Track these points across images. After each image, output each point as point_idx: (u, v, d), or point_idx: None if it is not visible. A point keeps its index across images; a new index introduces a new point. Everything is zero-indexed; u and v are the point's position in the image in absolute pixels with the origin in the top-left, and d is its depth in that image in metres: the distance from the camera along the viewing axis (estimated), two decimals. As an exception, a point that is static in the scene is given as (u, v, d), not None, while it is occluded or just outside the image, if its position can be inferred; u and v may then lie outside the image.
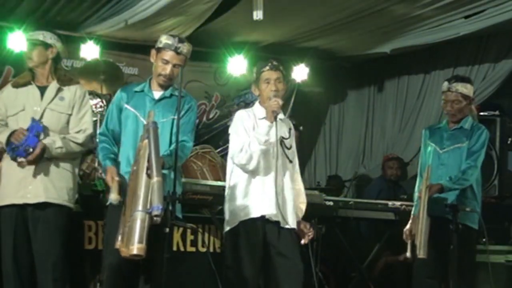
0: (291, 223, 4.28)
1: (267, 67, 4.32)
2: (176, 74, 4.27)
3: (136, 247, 3.62)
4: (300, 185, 4.47)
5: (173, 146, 4.15)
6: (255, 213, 4.20)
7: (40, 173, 4.40)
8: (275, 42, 7.59)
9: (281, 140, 4.32)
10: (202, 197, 5.32)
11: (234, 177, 4.32)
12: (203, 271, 5.48)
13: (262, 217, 4.19)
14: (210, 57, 8.16)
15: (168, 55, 4.24)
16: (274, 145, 4.26)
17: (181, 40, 4.27)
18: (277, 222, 4.24)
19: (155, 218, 3.67)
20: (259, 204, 4.19)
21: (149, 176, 3.72)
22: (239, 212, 4.23)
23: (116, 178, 4.05)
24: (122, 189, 4.08)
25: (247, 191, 4.25)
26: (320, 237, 5.75)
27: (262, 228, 4.22)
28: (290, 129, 4.44)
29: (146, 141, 3.87)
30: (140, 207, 3.67)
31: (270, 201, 4.20)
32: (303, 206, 4.46)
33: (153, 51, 4.32)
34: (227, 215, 4.31)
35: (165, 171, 4.02)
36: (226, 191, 4.36)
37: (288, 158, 4.35)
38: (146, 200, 3.68)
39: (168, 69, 4.26)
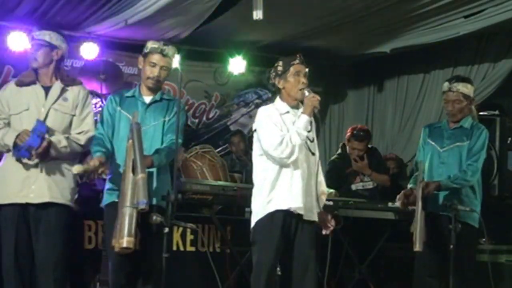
0: (315, 215, 4.34)
1: (297, 60, 4.41)
2: (163, 77, 4.48)
3: (125, 240, 3.92)
4: (321, 176, 4.52)
5: (164, 144, 4.36)
6: (281, 205, 4.24)
7: (43, 172, 4.41)
8: (275, 42, 7.58)
9: None
10: (202, 197, 5.33)
11: (263, 172, 4.34)
12: (203, 271, 5.48)
13: (288, 210, 4.23)
14: (210, 57, 8.17)
15: (155, 58, 4.45)
16: None
17: (165, 44, 4.50)
18: (300, 215, 4.27)
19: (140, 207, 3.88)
20: (287, 197, 4.24)
21: (134, 173, 3.98)
22: (266, 205, 4.27)
23: (96, 164, 4.17)
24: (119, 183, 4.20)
25: (274, 185, 4.28)
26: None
27: (284, 221, 4.25)
28: (311, 122, 4.47)
29: (130, 141, 4.13)
30: (128, 203, 3.97)
31: (297, 194, 4.26)
32: (323, 197, 4.52)
33: (140, 58, 4.52)
34: (255, 207, 4.33)
35: (153, 170, 4.23)
36: (255, 187, 4.39)
37: (310, 151, 4.40)
38: (133, 196, 3.97)
39: (156, 71, 4.46)
